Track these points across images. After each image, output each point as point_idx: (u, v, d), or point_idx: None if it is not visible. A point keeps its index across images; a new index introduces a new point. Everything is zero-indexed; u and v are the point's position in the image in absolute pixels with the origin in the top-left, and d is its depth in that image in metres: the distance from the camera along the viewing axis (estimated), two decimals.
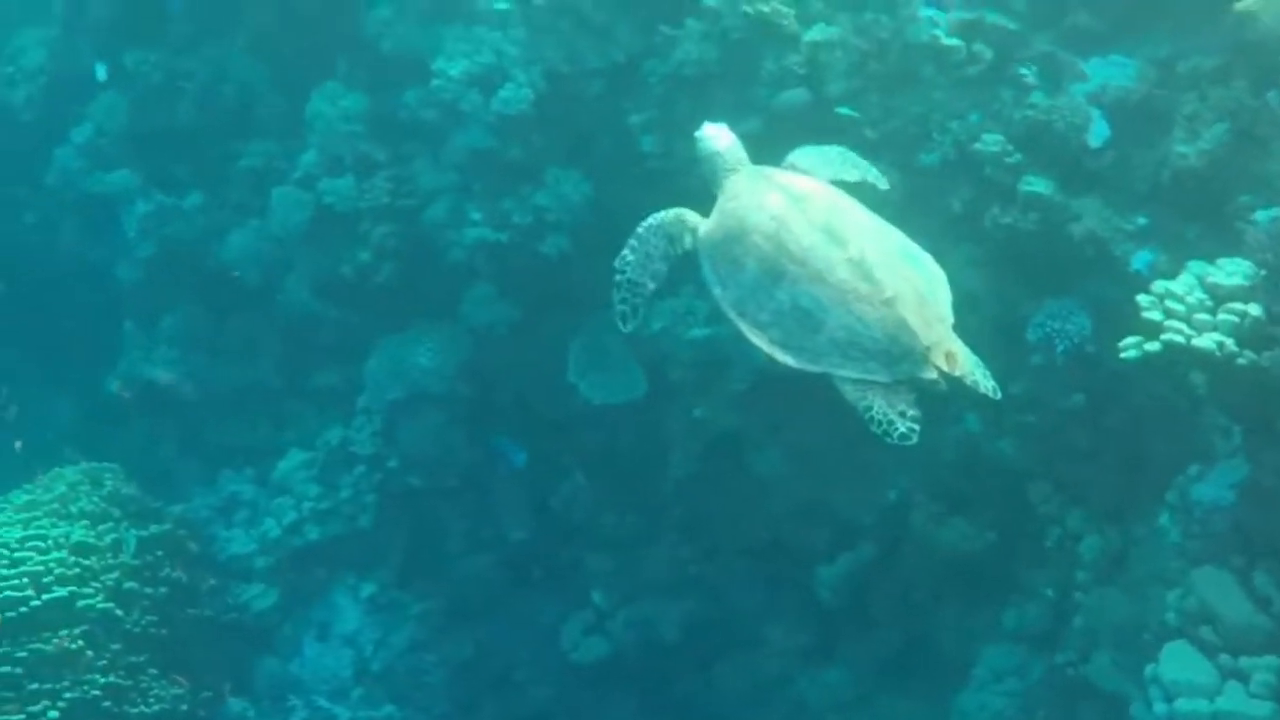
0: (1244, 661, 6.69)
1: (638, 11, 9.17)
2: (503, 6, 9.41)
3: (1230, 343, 6.45)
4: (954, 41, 8.09)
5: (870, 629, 9.61)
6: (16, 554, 8.98)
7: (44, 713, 8.67)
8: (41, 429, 11.46)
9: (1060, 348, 7.86)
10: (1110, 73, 7.94)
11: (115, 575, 9.35)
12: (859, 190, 6.50)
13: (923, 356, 5.93)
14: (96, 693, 8.91)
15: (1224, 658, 6.74)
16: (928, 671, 9.33)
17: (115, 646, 9.13)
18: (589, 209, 9.46)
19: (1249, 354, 6.44)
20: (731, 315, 6.25)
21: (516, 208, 9.54)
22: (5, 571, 8.86)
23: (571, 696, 10.42)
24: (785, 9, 8.47)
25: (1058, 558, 8.38)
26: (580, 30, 9.30)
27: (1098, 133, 7.83)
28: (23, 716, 8.59)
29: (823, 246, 6.03)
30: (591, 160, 9.55)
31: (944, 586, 9.15)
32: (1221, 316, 6.53)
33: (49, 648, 8.75)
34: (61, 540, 9.28)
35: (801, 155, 6.59)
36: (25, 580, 8.86)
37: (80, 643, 8.89)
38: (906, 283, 6.03)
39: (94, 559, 9.32)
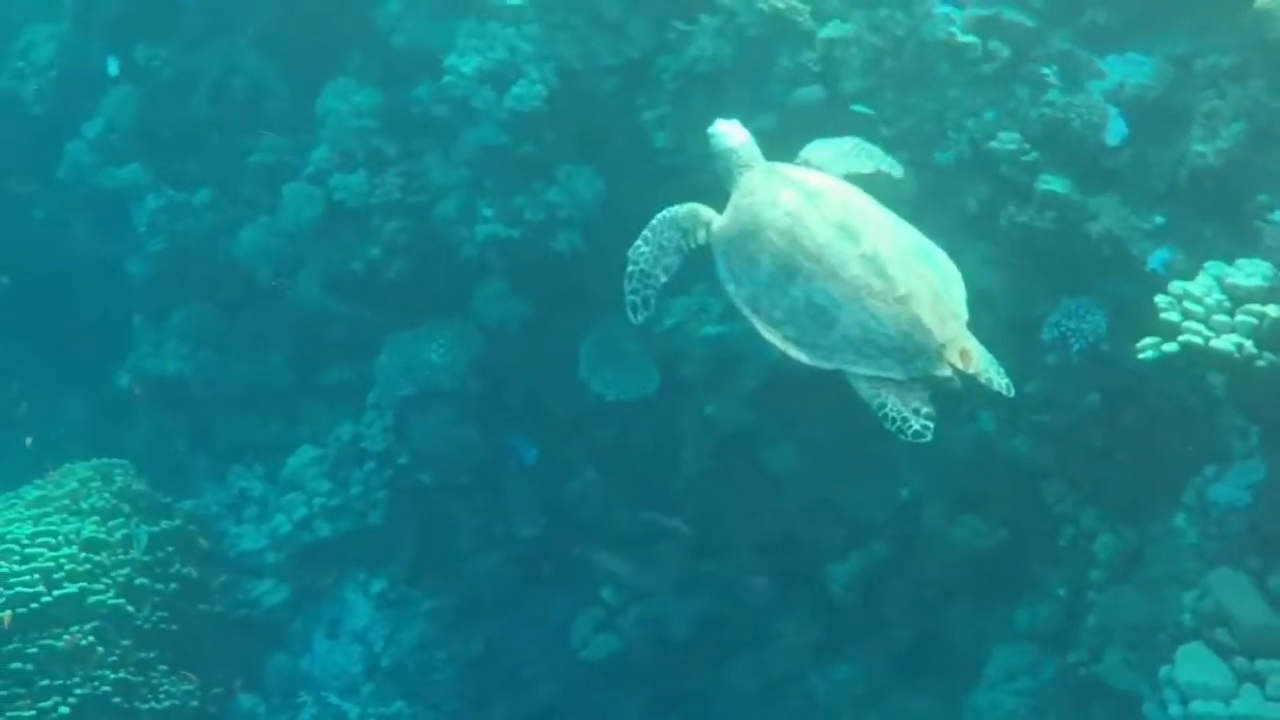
0: (1260, 664, 6.69)
1: (652, 8, 9.14)
2: (516, 2, 9.32)
3: (1249, 344, 6.44)
4: (970, 39, 8.03)
5: (882, 626, 9.58)
6: (27, 550, 8.96)
7: (55, 709, 8.64)
8: (51, 424, 11.47)
9: (1076, 347, 7.83)
10: (1128, 70, 7.88)
11: (126, 571, 9.32)
12: (875, 187, 6.50)
13: (937, 354, 5.96)
14: (107, 689, 8.88)
15: (1240, 660, 6.74)
16: (939, 670, 9.31)
17: (126, 642, 9.10)
18: (601, 206, 9.43)
19: (1268, 355, 6.44)
20: (745, 312, 6.28)
21: (529, 204, 9.50)
22: (16, 568, 8.84)
23: (582, 693, 10.39)
24: (800, 5, 8.43)
25: (1071, 557, 8.36)
26: (594, 26, 9.27)
27: (1115, 131, 7.78)
28: (34, 713, 8.57)
29: (837, 243, 6.05)
30: (604, 157, 9.51)
31: (956, 584, 9.14)
32: (1240, 318, 6.51)
33: (60, 644, 8.73)
34: (72, 536, 9.25)
35: (815, 149, 6.62)
36: (36, 576, 8.84)
37: (91, 639, 8.87)
38: (921, 280, 6.04)
39: (105, 555, 9.30)
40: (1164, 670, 6.87)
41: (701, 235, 6.43)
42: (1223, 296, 6.64)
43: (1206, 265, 6.84)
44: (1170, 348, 6.48)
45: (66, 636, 8.77)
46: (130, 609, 9.20)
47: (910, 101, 8.22)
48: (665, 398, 9.62)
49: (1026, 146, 7.87)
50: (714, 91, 8.69)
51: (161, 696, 9.20)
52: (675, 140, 8.97)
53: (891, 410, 5.99)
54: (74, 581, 8.98)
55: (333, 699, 10.26)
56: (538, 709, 10.45)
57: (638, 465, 10.03)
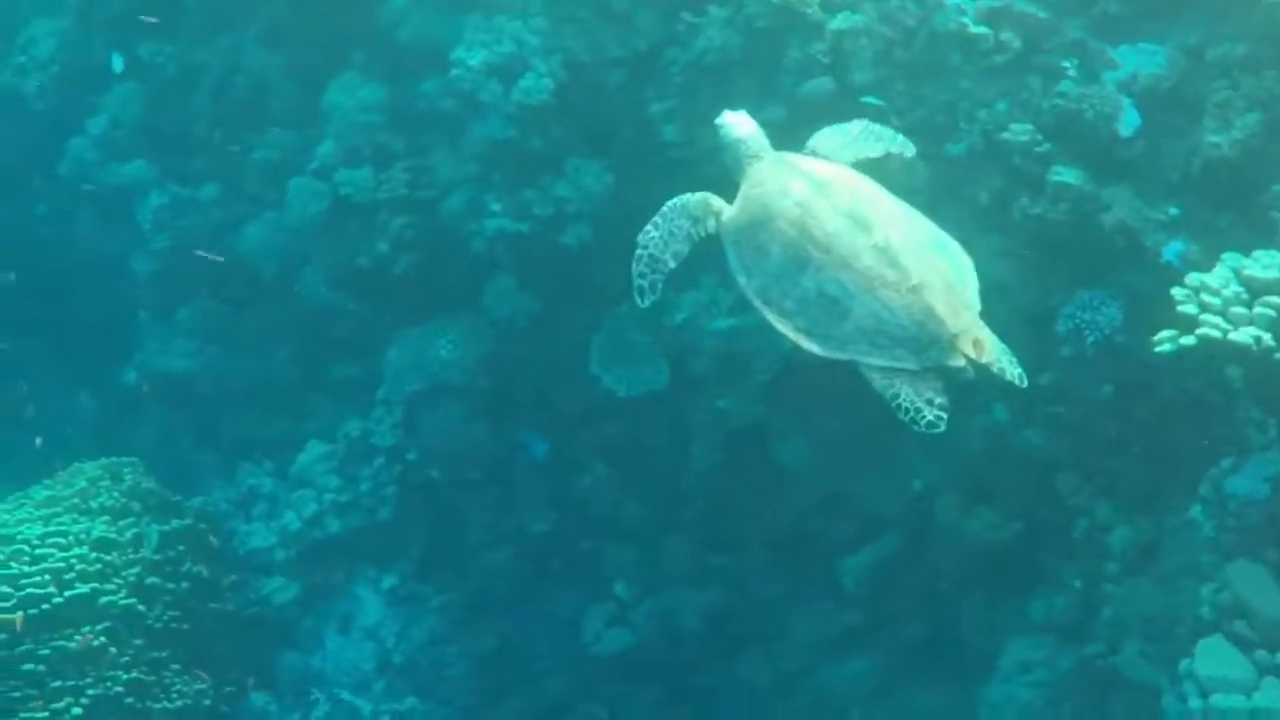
0: None
1: (660, 1, 9.10)
2: None
3: (1267, 337, 6.41)
4: (982, 29, 8.01)
5: (895, 619, 9.56)
6: (38, 551, 8.92)
7: (67, 710, 8.61)
8: (58, 422, 11.44)
9: (1090, 339, 7.83)
10: (1140, 60, 7.86)
11: (137, 571, 9.29)
12: (887, 178, 6.47)
13: (950, 344, 5.94)
14: (119, 689, 8.85)
15: (1260, 653, 6.72)
16: (953, 662, 9.27)
17: (138, 642, 9.08)
18: (610, 199, 9.39)
19: None
20: (756, 303, 6.25)
21: (537, 198, 9.47)
22: (27, 569, 8.80)
23: (593, 687, 10.37)
24: None
25: (1086, 549, 8.35)
26: (601, 18, 9.24)
27: (1128, 121, 7.75)
28: (47, 714, 8.53)
29: (848, 233, 6.03)
30: (613, 150, 9.47)
31: (969, 577, 9.10)
32: (1258, 310, 6.48)
33: (72, 645, 8.70)
34: (82, 536, 9.22)
35: (822, 137, 6.59)
36: (47, 577, 8.80)
37: (103, 639, 8.84)
38: (933, 270, 6.03)
39: (115, 555, 9.26)
40: (1184, 664, 6.86)
41: (711, 224, 6.40)
42: (1240, 288, 6.59)
43: (1223, 257, 6.80)
44: (1188, 341, 6.46)
45: (78, 637, 8.74)
46: (142, 608, 9.18)
47: (921, 93, 8.20)
48: (676, 392, 9.58)
49: (1039, 138, 7.85)
50: (723, 83, 8.64)
51: (174, 696, 9.18)
52: (684, 133, 8.92)
53: (905, 401, 5.97)
54: (85, 582, 8.94)
55: (345, 696, 10.24)
56: (550, 703, 10.41)
57: (648, 460, 9.99)
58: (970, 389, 7.00)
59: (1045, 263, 7.92)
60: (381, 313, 10.34)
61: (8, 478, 10.09)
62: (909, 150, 6.69)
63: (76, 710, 8.63)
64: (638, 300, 6.45)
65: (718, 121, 6.67)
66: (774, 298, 6.17)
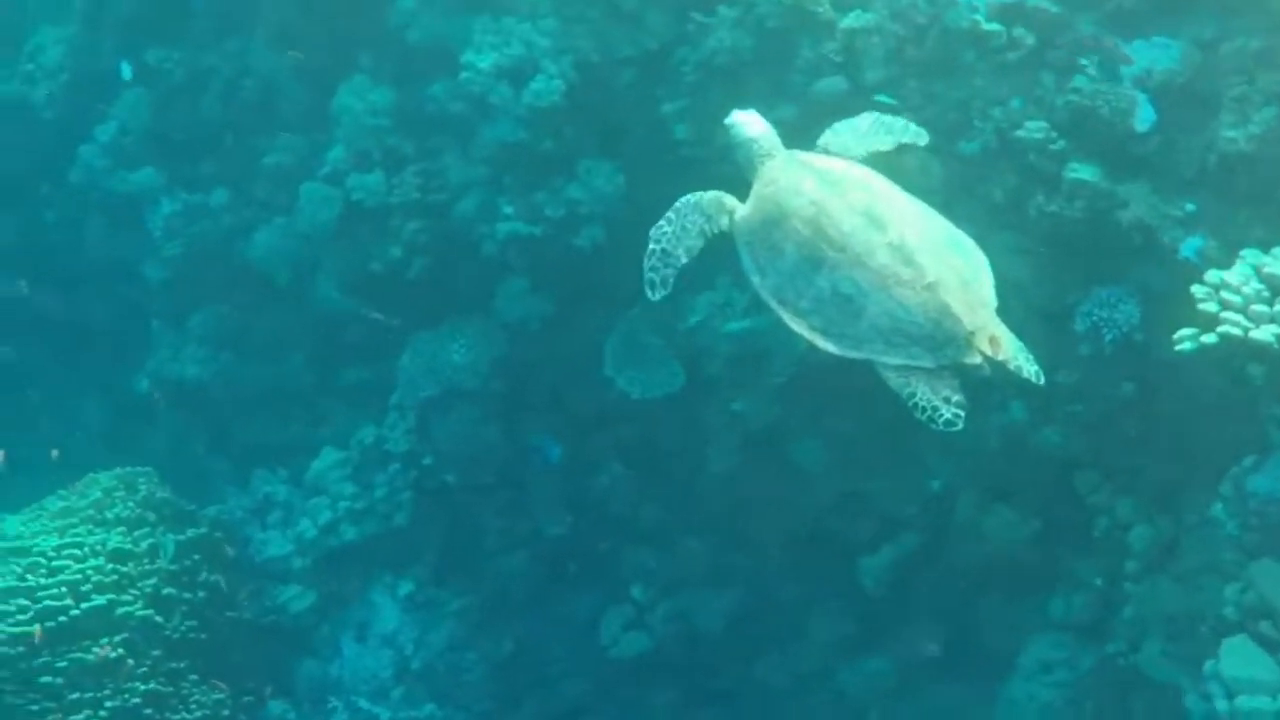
0: None
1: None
2: None
3: None
4: (994, 26, 7.93)
5: (913, 619, 9.51)
6: (54, 562, 8.96)
7: None
8: (70, 430, 11.44)
9: (1108, 337, 7.77)
10: (1155, 55, 7.77)
11: (153, 581, 9.30)
12: (901, 177, 6.45)
13: (966, 341, 5.94)
14: (137, 700, 8.90)
15: None
16: (973, 662, 9.23)
17: (155, 653, 9.10)
18: (623, 201, 9.33)
19: None
20: (771, 303, 6.27)
21: (549, 201, 9.42)
22: (43, 580, 8.83)
23: (611, 690, 10.35)
24: None
25: (1106, 547, 8.28)
26: (611, 19, 9.20)
27: (1144, 117, 7.68)
28: None
29: (862, 231, 6.04)
30: (624, 151, 9.41)
31: (988, 576, 9.05)
32: (1279, 307, 6.43)
33: (90, 657, 8.73)
34: (98, 547, 9.23)
35: (833, 133, 6.60)
36: (64, 589, 8.83)
37: (120, 651, 8.86)
38: (948, 267, 6.03)
39: (131, 565, 9.27)
40: (1209, 664, 6.83)
41: (725, 222, 6.42)
42: (1261, 285, 6.58)
43: (1242, 254, 6.77)
44: (1209, 339, 6.44)
45: (96, 649, 8.75)
46: (159, 619, 9.19)
47: (934, 91, 8.12)
48: (691, 394, 9.53)
49: (1054, 135, 7.77)
50: (734, 83, 8.57)
51: (193, 706, 9.19)
52: (696, 132, 8.88)
53: (922, 399, 5.98)
54: (102, 593, 8.97)
55: (363, 704, 10.23)
56: (567, 707, 10.40)
57: (663, 462, 9.95)
58: (987, 387, 6.99)
59: (1061, 260, 7.85)
60: (394, 318, 10.29)
61: (22, 488, 10.09)
62: (921, 139, 6.71)
63: None
64: (649, 294, 6.46)
65: (728, 121, 6.69)
66: (788, 297, 6.18)
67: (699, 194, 6.48)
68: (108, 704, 8.71)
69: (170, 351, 11.32)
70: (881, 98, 8.11)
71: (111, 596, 8.99)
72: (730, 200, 6.46)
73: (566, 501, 10.37)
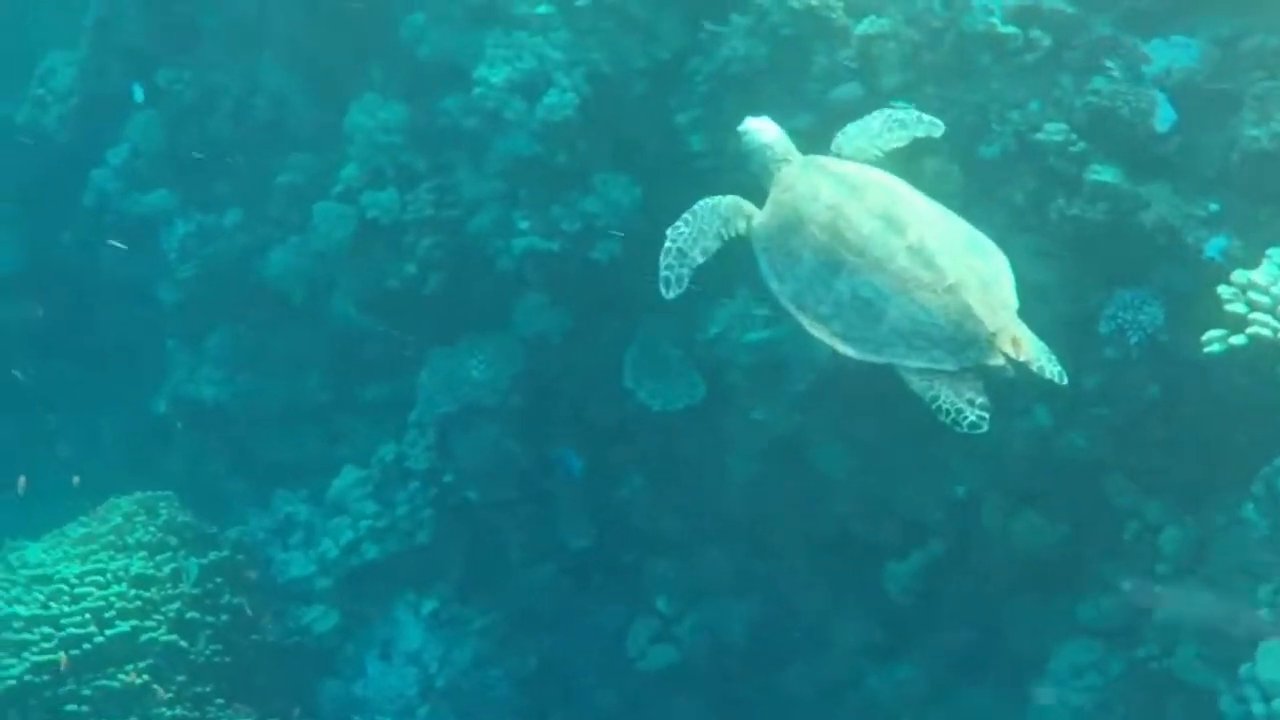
0: None
1: (681, 8, 9.00)
2: (544, 10, 9.20)
3: None
4: (1011, 29, 7.88)
5: (942, 625, 9.46)
6: (77, 590, 8.95)
7: None
8: (88, 453, 11.42)
9: (1134, 339, 7.70)
10: (1173, 54, 7.73)
11: (177, 606, 9.27)
12: (920, 182, 6.41)
13: (989, 343, 5.92)
14: None
15: None
16: (1002, 667, 9.17)
17: (181, 678, 9.07)
18: (639, 212, 9.28)
19: None
20: (791, 309, 6.26)
21: (565, 214, 9.37)
22: (67, 608, 8.82)
23: (639, 702, 10.30)
24: (834, 1, 8.30)
25: (1135, 550, 8.20)
26: (624, 30, 9.12)
27: (1164, 117, 7.63)
28: None
29: (881, 234, 6.02)
30: (640, 163, 9.36)
31: (1016, 581, 8.98)
32: None
33: (115, 684, 8.71)
34: (121, 573, 9.21)
35: (847, 137, 6.59)
36: (87, 616, 8.82)
37: (146, 677, 8.85)
38: (969, 269, 6.00)
39: (154, 590, 9.25)
40: (1245, 668, 6.78)
41: (742, 225, 6.43)
42: None
43: (1269, 253, 6.75)
44: (1238, 340, 6.42)
45: (122, 676, 8.72)
46: (183, 644, 9.17)
47: (952, 95, 8.05)
48: (712, 405, 9.48)
49: (1074, 137, 7.72)
50: (749, 92, 8.53)
51: None
52: (711, 143, 8.82)
53: (945, 402, 5.95)
54: (125, 619, 8.95)
55: None
56: None
57: (686, 472, 9.90)
58: (1010, 391, 6.93)
59: (1084, 263, 7.80)
60: (411, 334, 10.26)
61: (42, 514, 10.07)
62: (936, 130, 6.71)
63: None
64: (663, 291, 6.45)
65: (740, 128, 6.69)
66: (808, 303, 6.17)
67: (717, 198, 6.49)
68: None
69: (187, 372, 11.33)
70: (898, 103, 8.06)
71: (135, 622, 8.98)
72: (748, 206, 6.47)
73: (589, 514, 10.34)
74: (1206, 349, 6.50)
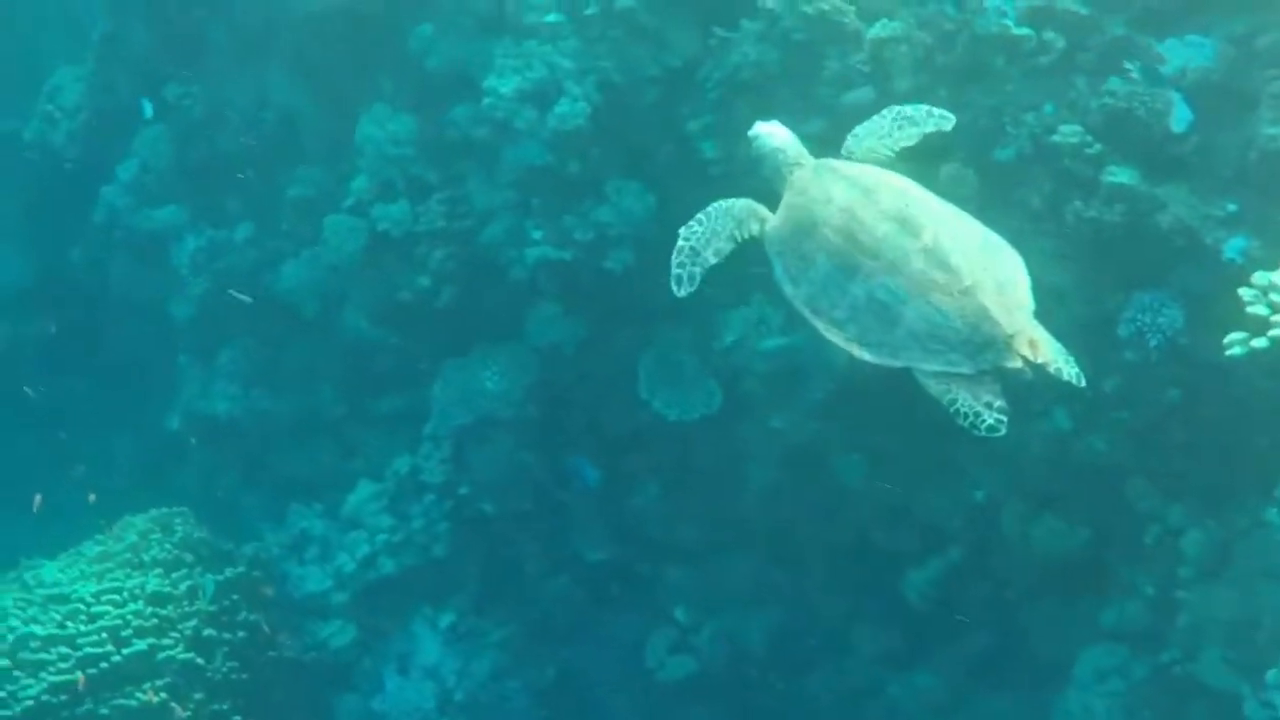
0: None
1: (691, 14, 8.98)
2: (553, 18, 9.19)
3: None
4: (1024, 31, 7.83)
5: (962, 631, 9.40)
6: (94, 608, 8.92)
7: None
8: (103, 471, 11.39)
9: (1153, 342, 7.65)
10: (1188, 54, 7.68)
11: (193, 623, 9.22)
12: (934, 187, 6.36)
13: (1006, 345, 5.87)
14: None
15: None
16: (1024, 673, 9.12)
17: (198, 696, 9.02)
18: (652, 220, 9.23)
19: None
20: (805, 313, 6.23)
21: (578, 224, 9.34)
22: (83, 627, 8.78)
23: (658, 713, 10.26)
24: (845, 5, 8.26)
25: (1157, 554, 8.14)
26: (634, 38, 9.10)
27: (1180, 117, 7.58)
28: None
29: (895, 237, 5.99)
30: (652, 170, 9.33)
31: (1037, 586, 8.93)
32: None
33: (133, 703, 8.67)
34: (137, 591, 9.17)
35: (856, 139, 6.55)
36: (104, 635, 8.78)
37: (164, 695, 8.79)
38: (985, 270, 5.97)
39: (171, 608, 9.21)
40: (1272, 673, 6.74)
41: (755, 228, 6.39)
42: None
43: None
44: (1260, 343, 6.36)
45: (140, 695, 8.69)
46: (200, 661, 9.11)
47: (965, 98, 7.98)
48: (729, 413, 9.44)
49: (1089, 139, 7.67)
50: (761, 98, 8.50)
51: None
52: (723, 149, 8.80)
53: (963, 406, 5.91)
54: (142, 638, 8.91)
55: None
56: None
57: (703, 481, 9.85)
58: (1029, 394, 6.88)
59: (1102, 265, 7.75)
60: (425, 347, 10.24)
61: (57, 532, 10.04)
62: (947, 123, 6.65)
63: None
64: (674, 289, 6.43)
65: (751, 133, 6.65)
66: (823, 307, 6.13)
67: (731, 200, 6.47)
68: None
69: (200, 388, 11.30)
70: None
71: (152, 640, 8.93)
72: (762, 209, 6.44)
73: (605, 525, 10.28)
74: (1228, 352, 6.45)
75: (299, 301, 10.66)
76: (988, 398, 5.88)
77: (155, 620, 9.03)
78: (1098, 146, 7.66)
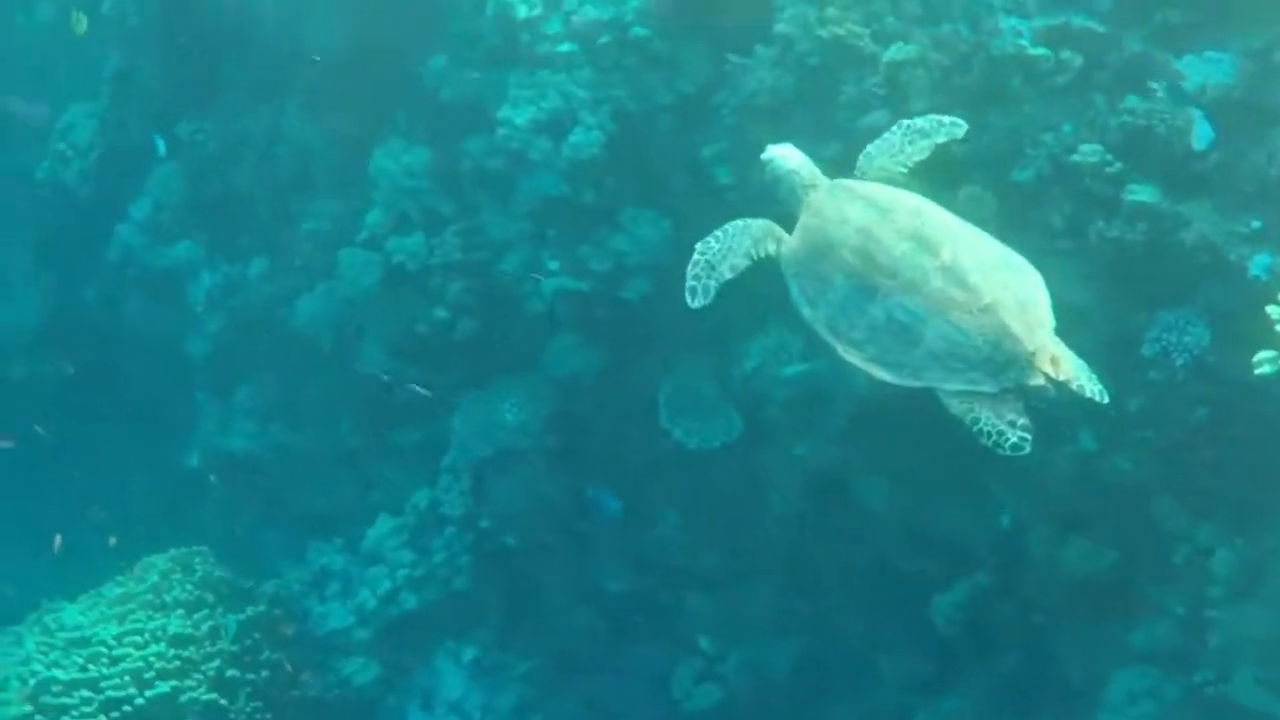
0: None
1: (704, 42, 8.96)
2: (567, 48, 9.17)
3: None
4: (1041, 50, 7.79)
5: (990, 655, 9.32)
6: (115, 651, 8.91)
7: None
8: (121, 510, 11.36)
9: (1179, 361, 7.58)
10: (1207, 70, 7.63)
11: (216, 664, 9.21)
12: (953, 210, 6.29)
13: (1028, 362, 5.79)
14: None
15: None
16: (1052, 697, 9.03)
17: None
18: (669, 248, 9.19)
19: None
20: (825, 335, 6.15)
21: (594, 253, 9.31)
22: (106, 670, 8.78)
23: None
24: (860, 29, 8.22)
25: (1187, 574, 8.07)
26: (647, 65, 9.09)
27: (1201, 133, 7.53)
28: None
29: (913, 256, 5.93)
30: (668, 198, 9.30)
31: (1066, 608, 8.86)
32: None
33: None
34: (159, 633, 9.17)
35: (868, 158, 6.50)
36: (127, 678, 8.78)
37: None
38: (1004, 288, 5.89)
39: (193, 649, 9.20)
40: None
41: (771, 247, 6.33)
42: None
43: None
44: None
45: None
46: (224, 703, 9.11)
47: (983, 120, 7.91)
48: (750, 441, 9.38)
49: (1109, 157, 7.61)
50: (776, 122, 8.43)
51: None
52: (739, 175, 8.76)
53: (986, 425, 5.83)
54: (165, 680, 8.90)
55: None
56: None
57: (725, 509, 9.78)
58: (1054, 415, 6.81)
59: (1125, 285, 7.69)
60: (444, 379, 10.19)
61: (77, 573, 10.01)
62: (958, 131, 6.59)
63: None
64: (689, 300, 6.33)
65: (764, 156, 6.59)
66: (841, 328, 6.07)
67: (748, 220, 6.41)
68: None
69: (218, 425, 11.30)
70: None
71: (175, 682, 8.92)
72: (779, 230, 6.38)
73: (627, 555, 10.22)
74: (1257, 370, 6.37)
75: (315, 336, 10.62)
76: (1011, 416, 5.81)
77: (178, 662, 9.03)
78: (1118, 165, 7.60)
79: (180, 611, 9.46)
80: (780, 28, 8.46)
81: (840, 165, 6.71)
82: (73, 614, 9.37)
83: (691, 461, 9.59)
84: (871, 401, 8.30)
